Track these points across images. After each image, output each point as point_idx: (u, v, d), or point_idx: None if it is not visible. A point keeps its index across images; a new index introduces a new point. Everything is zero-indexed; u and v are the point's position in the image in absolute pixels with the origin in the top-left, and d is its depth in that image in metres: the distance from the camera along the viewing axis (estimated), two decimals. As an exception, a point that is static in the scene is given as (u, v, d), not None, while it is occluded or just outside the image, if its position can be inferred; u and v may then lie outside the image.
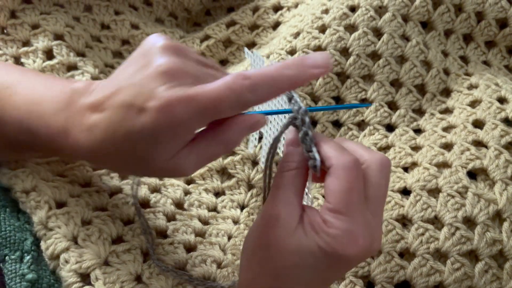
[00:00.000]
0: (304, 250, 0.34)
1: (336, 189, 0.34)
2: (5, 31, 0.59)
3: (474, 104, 0.59)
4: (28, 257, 0.40)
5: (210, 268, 0.45)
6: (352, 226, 0.34)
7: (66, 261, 0.41)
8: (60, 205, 0.45)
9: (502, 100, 0.57)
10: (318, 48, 0.59)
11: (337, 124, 0.60)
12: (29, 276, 0.38)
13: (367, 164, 0.36)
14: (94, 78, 0.60)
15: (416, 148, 0.57)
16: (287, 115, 0.40)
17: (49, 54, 0.59)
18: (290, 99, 0.39)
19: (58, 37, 0.60)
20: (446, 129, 0.57)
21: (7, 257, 0.39)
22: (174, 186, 0.53)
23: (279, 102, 0.43)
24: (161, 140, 0.33)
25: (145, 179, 0.51)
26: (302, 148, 0.37)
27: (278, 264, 0.35)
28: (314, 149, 0.36)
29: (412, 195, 0.50)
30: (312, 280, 0.35)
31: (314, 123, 0.60)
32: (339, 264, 0.34)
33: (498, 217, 0.50)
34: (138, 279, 0.42)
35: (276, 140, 0.39)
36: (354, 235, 0.33)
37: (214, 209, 0.54)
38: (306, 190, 0.39)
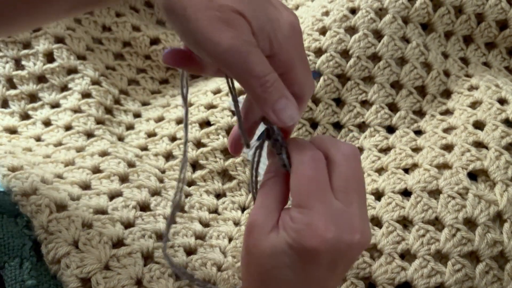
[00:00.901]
0: (278, 251, 0.35)
1: (295, 184, 0.35)
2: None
3: (474, 105, 0.59)
4: (27, 263, 0.40)
5: (210, 271, 0.45)
6: (312, 217, 0.34)
7: (67, 266, 0.41)
8: (60, 208, 0.45)
9: (502, 101, 0.57)
10: (319, 50, 0.59)
11: (338, 126, 0.60)
12: (29, 282, 0.38)
13: (331, 157, 0.37)
14: (94, 81, 0.60)
15: (416, 150, 0.56)
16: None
17: (49, 57, 0.59)
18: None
19: (59, 40, 0.61)
20: (447, 130, 0.57)
21: (6, 264, 0.39)
22: (174, 189, 0.53)
23: None
24: None
25: (145, 182, 0.51)
26: (274, 154, 0.38)
27: (259, 268, 0.36)
28: (283, 150, 0.37)
29: (412, 196, 0.50)
30: (294, 281, 0.35)
31: (315, 125, 0.60)
32: (312, 261, 0.34)
33: (498, 218, 0.49)
34: (139, 283, 0.42)
35: (254, 153, 0.41)
36: (314, 226, 0.33)
37: (215, 211, 0.54)
38: None
